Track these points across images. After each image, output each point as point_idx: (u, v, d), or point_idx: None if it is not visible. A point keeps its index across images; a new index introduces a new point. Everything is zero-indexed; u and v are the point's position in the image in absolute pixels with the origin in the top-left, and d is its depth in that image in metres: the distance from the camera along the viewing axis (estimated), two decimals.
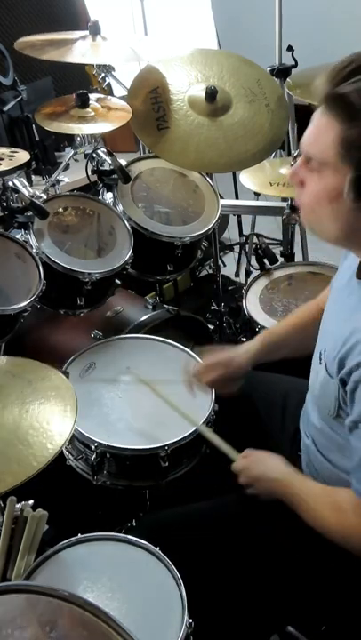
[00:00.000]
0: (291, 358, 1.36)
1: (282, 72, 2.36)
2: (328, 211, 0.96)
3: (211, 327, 2.17)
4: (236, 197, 3.10)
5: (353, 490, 1.00)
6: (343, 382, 1.00)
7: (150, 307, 1.80)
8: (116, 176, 1.75)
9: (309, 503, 1.07)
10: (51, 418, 1.04)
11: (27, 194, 1.52)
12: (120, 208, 1.78)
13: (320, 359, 1.10)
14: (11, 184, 1.55)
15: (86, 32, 1.86)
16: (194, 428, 1.32)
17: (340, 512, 1.02)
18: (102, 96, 1.91)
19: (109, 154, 1.73)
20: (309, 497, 1.08)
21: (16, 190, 1.54)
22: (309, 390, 1.20)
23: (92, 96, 1.83)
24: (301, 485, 1.11)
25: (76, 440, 1.37)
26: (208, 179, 1.98)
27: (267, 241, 2.24)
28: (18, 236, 1.57)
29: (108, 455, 1.32)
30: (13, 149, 1.70)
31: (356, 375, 0.95)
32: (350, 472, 1.01)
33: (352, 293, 1.04)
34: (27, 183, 1.58)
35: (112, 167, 1.73)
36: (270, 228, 2.98)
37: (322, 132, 0.93)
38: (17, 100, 2.80)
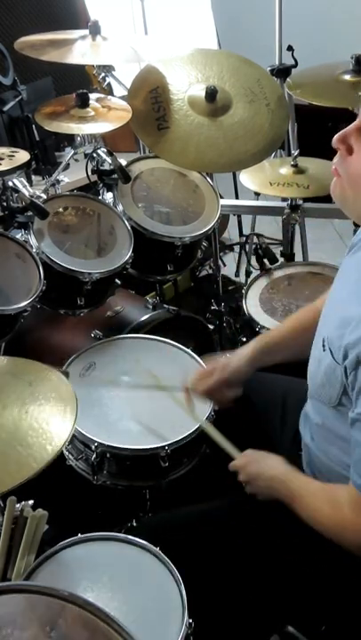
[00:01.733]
0: (290, 361, 1.34)
1: (282, 72, 2.36)
2: None
3: (211, 327, 2.16)
4: (236, 197, 3.10)
5: (353, 483, 0.99)
6: (346, 370, 0.98)
7: (150, 307, 1.80)
8: (116, 176, 1.75)
9: (306, 499, 1.07)
10: (50, 419, 1.04)
11: (27, 194, 1.52)
12: (120, 208, 1.78)
13: (323, 346, 1.07)
14: (11, 184, 1.55)
15: (86, 32, 1.86)
16: (197, 425, 1.32)
17: (336, 507, 1.02)
18: (102, 96, 1.90)
19: (109, 154, 1.73)
20: (307, 493, 1.08)
21: (16, 190, 1.54)
22: (309, 383, 1.17)
23: (92, 96, 1.83)
24: (299, 482, 1.11)
25: (76, 440, 1.37)
26: (208, 179, 1.98)
27: (267, 241, 2.24)
28: (18, 236, 1.57)
29: (108, 455, 1.32)
30: (13, 149, 1.70)
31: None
32: (351, 465, 1.00)
33: (359, 280, 1.03)
34: (27, 183, 1.59)
35: (112, 167, 1.73)
36: (270, 228, 2.98)
37: None
38: (17, 99, 2.80)
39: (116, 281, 1.72)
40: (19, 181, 1.55)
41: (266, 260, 2.04)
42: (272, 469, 1.15)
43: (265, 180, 2.04)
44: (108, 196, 1.84)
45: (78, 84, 2.08)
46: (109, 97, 1.93)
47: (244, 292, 1.92)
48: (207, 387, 1.36)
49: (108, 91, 2.22)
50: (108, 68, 2.07)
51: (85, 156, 1.88)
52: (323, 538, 1.04)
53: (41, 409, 1.05)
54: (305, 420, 1.22)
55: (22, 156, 1.67)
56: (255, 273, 2.08)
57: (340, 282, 1.14)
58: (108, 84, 2.15)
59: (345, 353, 0.97)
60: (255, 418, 1.42)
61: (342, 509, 1.00)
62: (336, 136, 0.97)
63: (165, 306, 1.85)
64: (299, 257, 2.42)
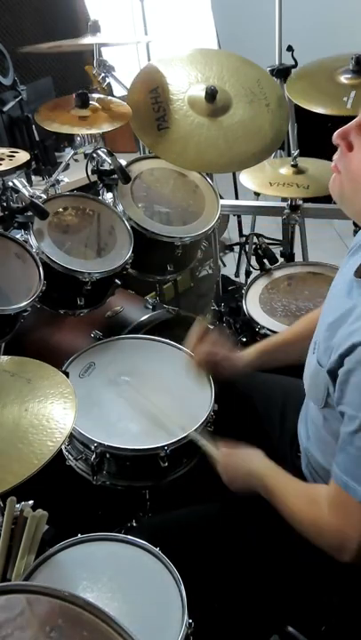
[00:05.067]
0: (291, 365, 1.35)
1: (282, 72, 2.37)
2: None
3: (211, 327, 2.17)
4: (236, 197, 3.10)
5: (333, 477, 0.97)
6: (333, 375, 0.99)
7: (150, 307, 1.80)
8: (116, 176, 1.75)
9: (286, 496, 1.07)
10: (50, 415, 1.04)
11: (27, 194, 1.52)
12: (120, 208, 1.78)
13: (314, 349, 1.09)
14: (11, 184, 1.55)
15: (89, 37, 1.86)
16: (186, 434, 1.32)
17: (314, 506, 1.01)
18: (102, 96, 1.91)
19: (109, 154, 1.73)
20: (286, 490, 1.07)
21: (16, 190, 1.53)
22: (304, 384, 1.18)
23: (92, 96, 1.83)
24: (279, 477, 1.10)
25: (76, 440, 1.37)
26: (208, 179, 1.98)
27: (267, 241, 2.24)
28: (18, 236, 1.57)
29: (107, 455, 1.32)
30: (13, 149, 1.70)
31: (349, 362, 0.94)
32: (336, 454, 0.98)
33: (351, 292, 1.04)
34: (27, 183, 1.58)
35: (112, 167, 1.73)
36: (270, 228, 2.98)
37: None
38: (17, 99, 2.80)
39: (116, 281, 1.72)
40: (19, 181, 1.55)
41: (266, 260, 2.04)
42: (250, 464, 1.15)
43: (265, 181, 2.04)
44: (108, 197, 1.84)
45: (78, 84, 2.09)
46: (109, 97, 1.93)
47: (244, 292, 1.92)
48: (202, 355, 1.46)
49: (108, 91, 2.22)
50: (108, 68, 2.07)
51: (85, 156, 1.88)
52: None
53: (41, 406, 1.06)
54: (303, 419, 1.22)
55: (22, 156, 1.67)
56: (255, 273, 2.08)
57: (338, 294, 1.14)
58: (108, 84, 2.15)
59: (329, 356, 0.99)
60: (255, 419, 1.42)
61: (321, 508, 0.99)
62: (337, 132, 0.98)
63: (165, 306, 1.85)
64: (299, 257, 2.42)
